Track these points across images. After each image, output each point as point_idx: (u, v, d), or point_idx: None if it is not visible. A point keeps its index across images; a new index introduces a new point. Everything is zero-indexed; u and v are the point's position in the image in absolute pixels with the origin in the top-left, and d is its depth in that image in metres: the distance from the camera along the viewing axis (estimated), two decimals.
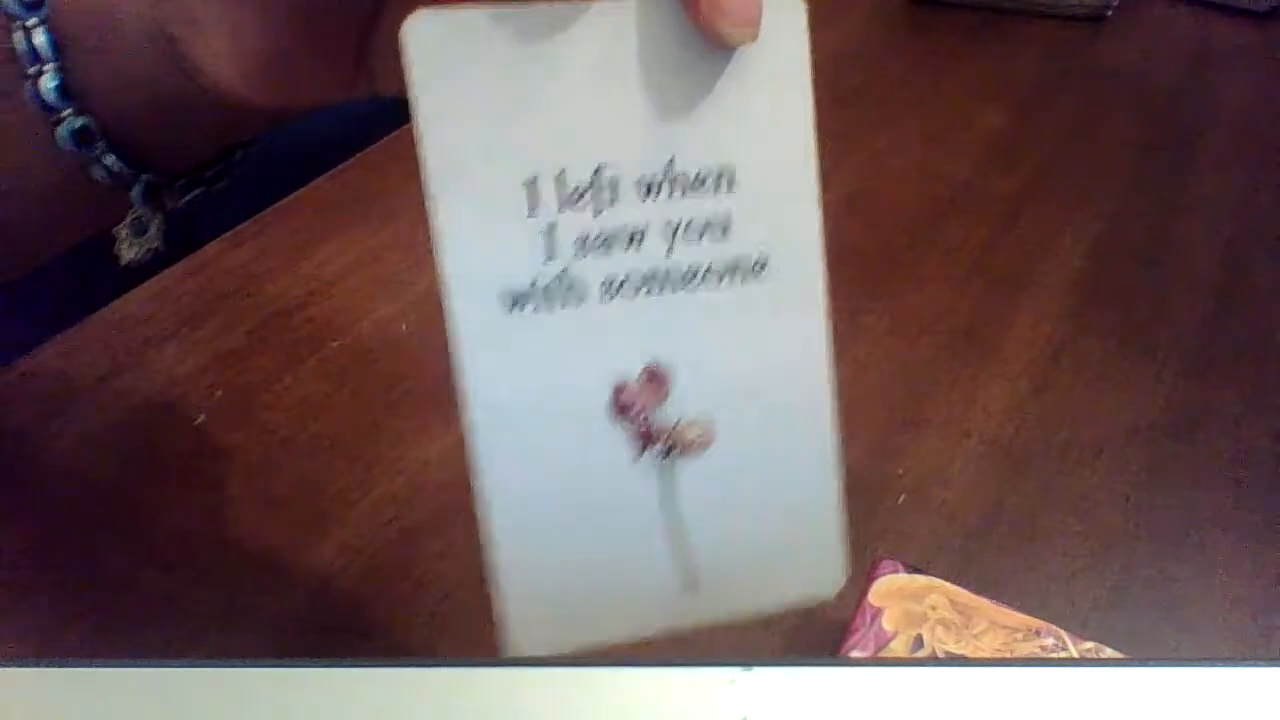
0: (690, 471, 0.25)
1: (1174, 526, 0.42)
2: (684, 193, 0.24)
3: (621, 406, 0.24)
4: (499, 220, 0.23)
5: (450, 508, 0.42)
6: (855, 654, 0.33)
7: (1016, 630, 0.33)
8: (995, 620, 0.34)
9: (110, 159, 0.33)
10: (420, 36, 0.22)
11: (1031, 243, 0.57)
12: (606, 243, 0.23)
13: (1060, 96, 0.69)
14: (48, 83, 0.31)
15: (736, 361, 0.25)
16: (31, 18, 0.31)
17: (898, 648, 0.33)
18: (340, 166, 0.59)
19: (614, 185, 0.23)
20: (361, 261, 0.53)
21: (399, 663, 0.34)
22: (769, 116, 0.24)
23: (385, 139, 0.60)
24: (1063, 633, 0.33)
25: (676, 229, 0.24)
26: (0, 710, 0.23)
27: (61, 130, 0.32)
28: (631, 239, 0.24)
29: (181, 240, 0.47)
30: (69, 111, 0.32)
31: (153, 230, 0.36)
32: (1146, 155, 0.65)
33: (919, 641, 0.33)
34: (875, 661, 0.32)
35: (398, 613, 0.38)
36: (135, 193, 0.35)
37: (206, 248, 0.53)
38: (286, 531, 0.41)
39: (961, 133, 0.66)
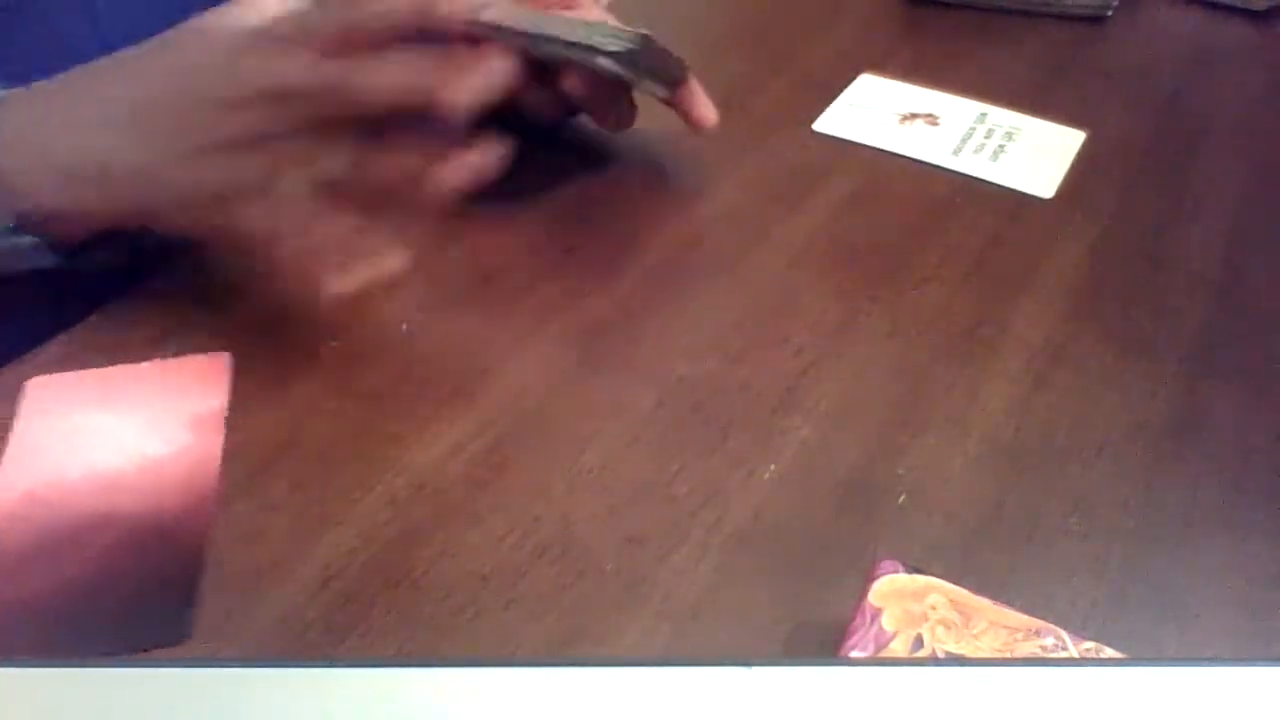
0: None
1: (1174, 526, 0.42)
2: None
3: None
4: None
5: (450, 508, 0.42)
6: (855, 654, 0.33)
7: (1016, 630, 0.33)
8: (995, 620, 0.34)
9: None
10: None
11: (1031, 243, 0.57)
12: None
13: (1060, 96, 0.69)
14: None
15: None
16: None
17: (898, 648, 0.33)
18: None
19: None
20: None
21: (399, 662, 0.34)
22: None
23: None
24: (1063, 633, 0.33)
25: None
26: (0, 710, 0.23)
27: None
28: None
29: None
30: None
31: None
32: (1146, 155, 0.65)
33: (919, 641, 0.33)
34: (875, 661, 0.32)
35: (397, 613, 0.38)
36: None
37: None
38: (286, 532, 0.41)
39: None
